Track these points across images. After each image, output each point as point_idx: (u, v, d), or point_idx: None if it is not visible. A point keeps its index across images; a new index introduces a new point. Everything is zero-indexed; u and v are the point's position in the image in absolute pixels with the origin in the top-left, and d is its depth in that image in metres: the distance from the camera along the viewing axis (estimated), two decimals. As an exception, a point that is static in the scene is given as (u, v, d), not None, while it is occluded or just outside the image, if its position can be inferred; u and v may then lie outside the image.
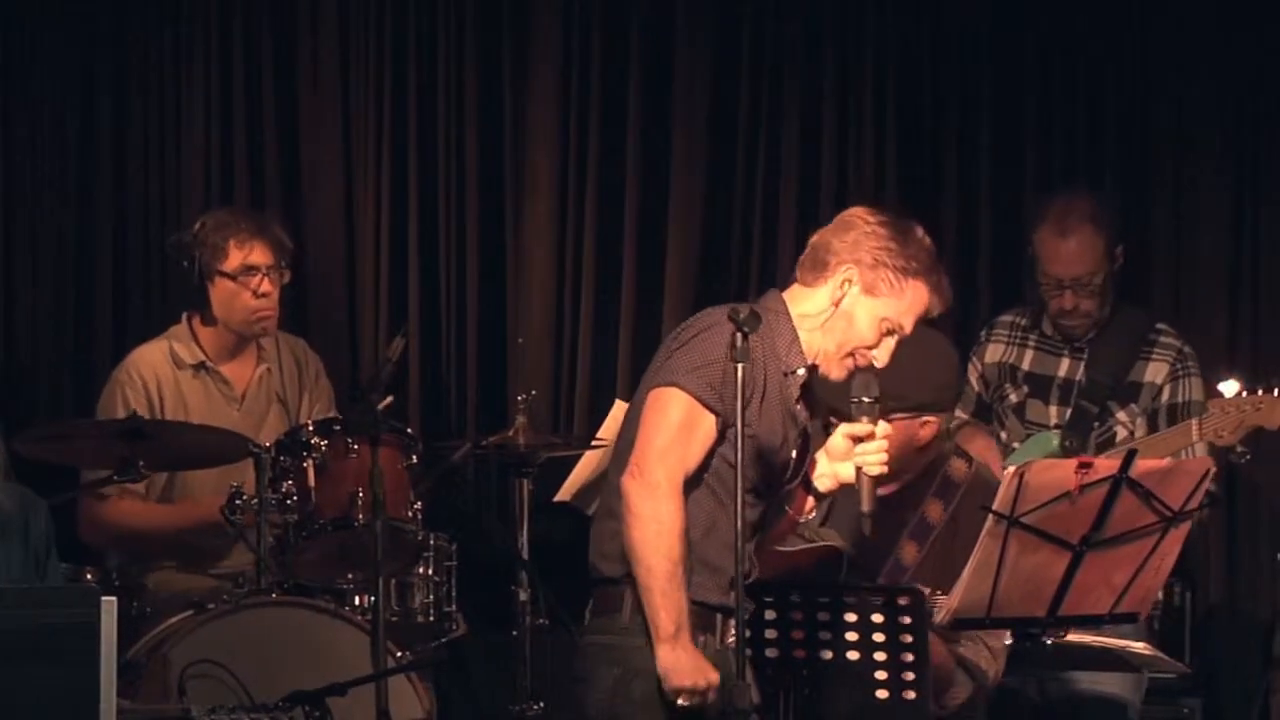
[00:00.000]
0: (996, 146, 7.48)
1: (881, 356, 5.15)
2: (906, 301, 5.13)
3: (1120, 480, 5.07)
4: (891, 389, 5.46)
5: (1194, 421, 6.28)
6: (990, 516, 5.13)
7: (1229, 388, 6.22)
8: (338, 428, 6.40)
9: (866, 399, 5.09)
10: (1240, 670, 7.22)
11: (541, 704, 6.60)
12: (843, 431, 5.12)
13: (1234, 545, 7.28)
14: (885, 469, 5.13)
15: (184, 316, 6.75)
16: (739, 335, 4.88)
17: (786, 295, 5.21)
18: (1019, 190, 7.43)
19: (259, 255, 6.63)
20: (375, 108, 7.57)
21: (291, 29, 7.55)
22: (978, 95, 7.48)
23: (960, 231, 7.46)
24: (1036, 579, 5.16)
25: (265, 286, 6.65)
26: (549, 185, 7.53)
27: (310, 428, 6.39)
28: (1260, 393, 6.20)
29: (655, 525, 4.98)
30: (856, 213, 5.22)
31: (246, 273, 6.63)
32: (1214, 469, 5.26)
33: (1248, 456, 6.31)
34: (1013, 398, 6.60)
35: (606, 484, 5.25)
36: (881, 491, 5.56)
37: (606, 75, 7.56)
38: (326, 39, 7.55)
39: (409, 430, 6.61)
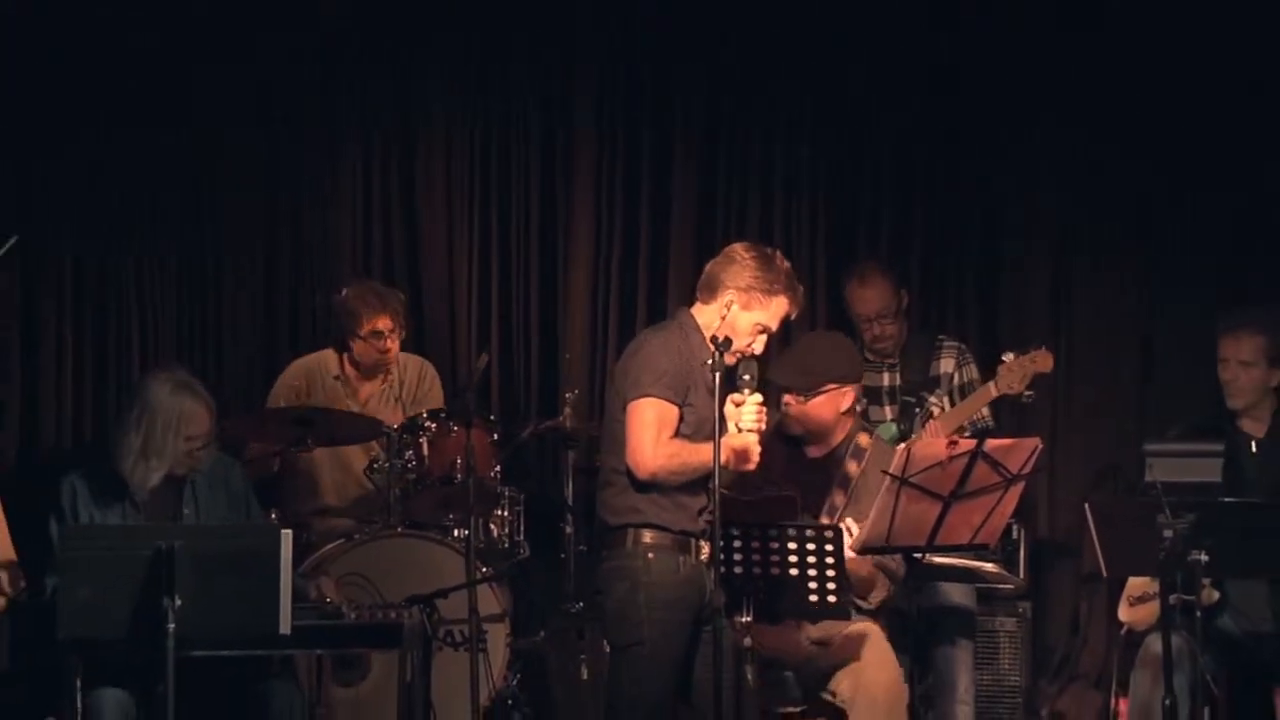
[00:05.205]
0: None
1: (758, 348, 5.19)
2: (771, 310, 5.18)
3: (977, 454, 5.21)
4: (819, 370, 5.54)
5: (990, 384, 6.24)
6: (887, 477, 5.19)
7: (1009, 356, 6.20)
8: (443, 415, 6.44)
9: (746, 376, 5.07)
10: (1059, 584, 7.15)
11: (581, 604, 6.59)
12: (730, 400, 5.07)
13: (1055, 495, 7.17)
14: (759, 425, 5.06)
15: (334, 346, 6.77)
16: (718, 353, 4.97)
17: (693, 310, 5.24)
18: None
19: (383, 324, 6.58)
20: (469, 200, 7.42)
21: (411, 150, 7.44)
22: (878, 210, 7.38)
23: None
24: (919, 520, 5.26)
25: (387, 345, 6.62)
26: (588, 246, 7.43)
27: (424, 415, 6.44)
28: (1032, 351, 6.18)
29: (663, 475, 5.09)
30: (736, 248, 5.25)
31: (374, 336, 6.60)
32: (1041, 446, 5.28)
33: (1032, 397, 6.25)
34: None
35: (603, 463, 5.25)
36: (816, 453, 5.64)
37: (629, 166, 7.43)
38: (437, 151, 7.43)
39: (492, 417, 6.67)
